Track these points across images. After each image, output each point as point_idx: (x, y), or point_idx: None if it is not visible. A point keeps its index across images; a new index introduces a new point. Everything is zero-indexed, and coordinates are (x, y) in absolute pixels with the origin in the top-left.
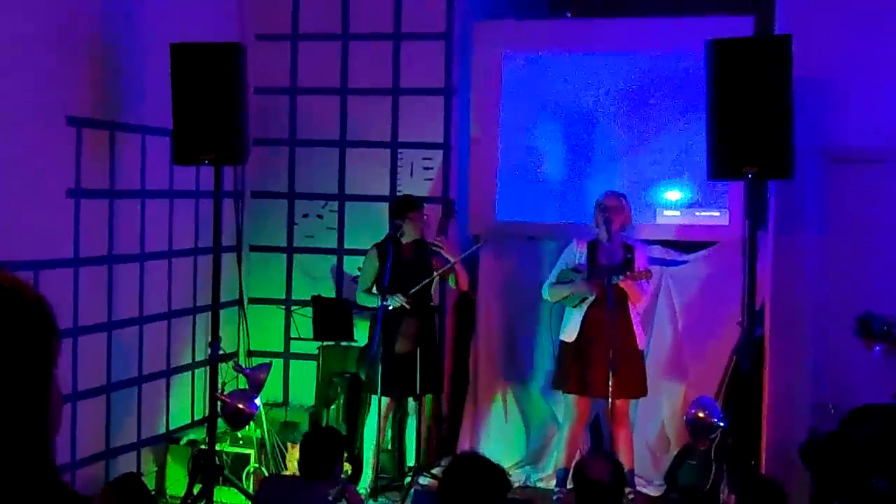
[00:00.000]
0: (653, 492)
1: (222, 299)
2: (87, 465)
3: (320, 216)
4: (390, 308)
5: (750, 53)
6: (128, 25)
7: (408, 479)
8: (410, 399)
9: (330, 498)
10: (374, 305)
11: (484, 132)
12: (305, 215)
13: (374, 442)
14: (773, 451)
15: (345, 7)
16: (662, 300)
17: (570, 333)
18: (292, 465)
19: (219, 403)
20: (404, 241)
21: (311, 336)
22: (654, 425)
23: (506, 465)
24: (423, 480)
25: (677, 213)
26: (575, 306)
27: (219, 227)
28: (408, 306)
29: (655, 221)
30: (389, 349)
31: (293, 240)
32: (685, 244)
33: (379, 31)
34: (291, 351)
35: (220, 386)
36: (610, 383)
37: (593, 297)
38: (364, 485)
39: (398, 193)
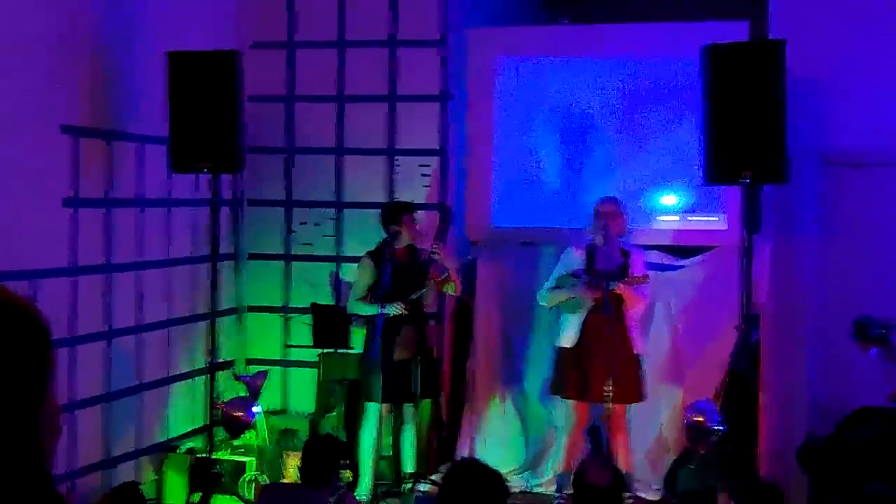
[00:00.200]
0: (651, 496)
1: (220, 307)
2: (87, 474)
3: (318, 224)
4: (390, 316)
5: (745, 58)
6: (124, 34)
7: (407, 486)
8: (409, 406)
9: None
10: (368, 313)
11: (480, 138)
12: (303, 223)
13: (373, 448)
14: (771, 455)
15: (341, 15)
16: (660, 305)
17: (567, 339)
18: (291, 473)
19: (217, 411)
20: (398, 246)
21: (310, 344)
22: (652, 430)
23: (504, 470)
24: (422, 487)
25: (674, 217)
26: (573, 312)
27: (216, 235)
28: (406, 313)
29: (652, 226)
30: (388, 356)
31: (291, 248)
32: (682, 249)
33: (375, 39)
34: (290, 358)
35: (218, 394)
36: (608, 388)
37: (591, 303)
38: (363, 491)
39: (395, 200)
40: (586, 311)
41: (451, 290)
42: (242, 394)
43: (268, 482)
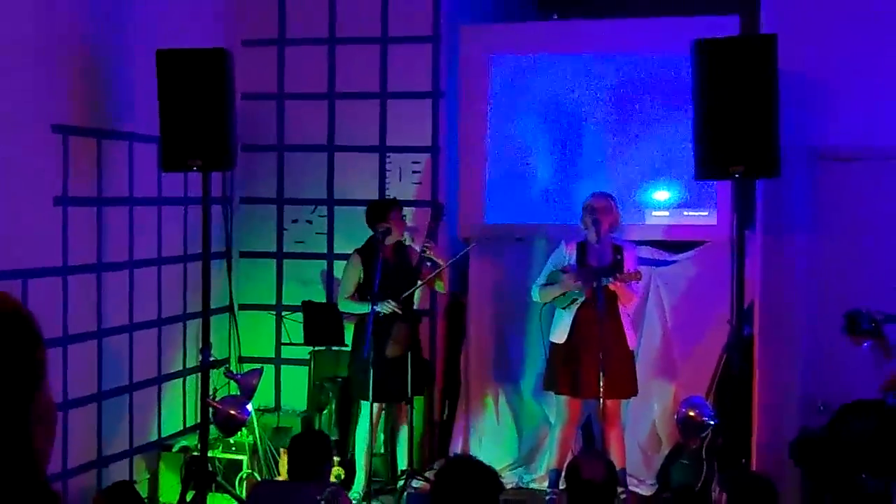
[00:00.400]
0: (645, 491)
1: (212, 306)
2: (79, 473)
3: (310, 221)
4: (381, 314)
5: (735, 53)
6: (114, 32)
7: (400, 483)
8: (402, 403)
9: (322, 501)
10: (359, 311)
11: (472, 135)
12: (295, 220)
13: (366, 445)
14: (764, 449)
15: (332, 11)
16: (652, 300)
17: (560, 335)
18: (285, 471)
19: (210, 410)
20: (388, 244)
21: (302, 341)
22: (645, 425)
23: (498, 467)
24: (415, 483)
25: (666, 213)
26: (565, 308)
27: (208, 233)
28: (399, 312)
29: (644, 222)
30: (380, 354)
31: (283, 245)
32: (674, 244)
33: (366, 35)
34: (282, 356)
35: (211, 392)
36: (601, 384)
37: (583, 298)
38: (357, 489)
39: (387, 198)
40: (578, 306)
41: (441, 288)
42: (235, 392)
43: (260, 480)
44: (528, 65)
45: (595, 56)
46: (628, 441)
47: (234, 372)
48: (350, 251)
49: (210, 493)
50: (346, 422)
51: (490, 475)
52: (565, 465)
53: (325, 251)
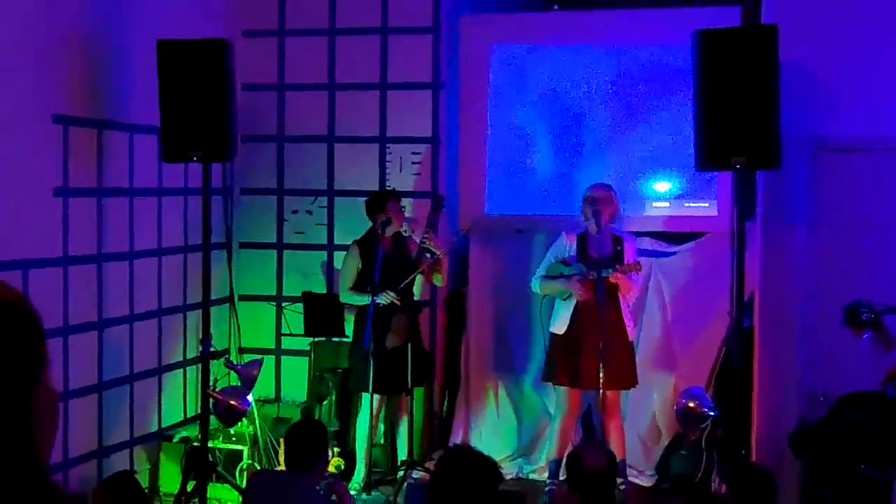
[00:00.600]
0: (644, 482)
1: (213, 296)
2: (80, 463)
3: (310, 212)
4: (381, 305)
5: (736, 43)
6: (114, 23)
7: (400, 473)
8: (402, 394)
9: (321, 491)
10: (360, 303)
11: (472, 126)
12: (295, 211)
13: (367, 437)
14: (764, 440)
15: (332, 2)
16: (652, 291)
17: (560, 326)
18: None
19: (211, 400)
20: (387, 235)
21: (303, 332)
22: (645, 416)
23: (498, 457)
24: (415, 474)
25: (666, 204)
26: (565, 299)
27: (208, 224)
28: (398, 303)
29: (644, 213)
30: (380, 345)
31: (283, 236)
32: (674, 235)
33: (366, 26)
34: (283, 347)
35: (211, 383)
36: (600, 375)
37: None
38: (357, 479)
39: (387, 188)
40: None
41: (438, 281)
42: (235, 383)
43: (260, 470)
44: (529, 55)
45: (596, 47)
46: (628, 432)
47: (235, 363)
48: (350, 241)
49: (210, 484)
50: (346, 413)
51: (490, 466)
52: (565, 455)
53: (326, 242)
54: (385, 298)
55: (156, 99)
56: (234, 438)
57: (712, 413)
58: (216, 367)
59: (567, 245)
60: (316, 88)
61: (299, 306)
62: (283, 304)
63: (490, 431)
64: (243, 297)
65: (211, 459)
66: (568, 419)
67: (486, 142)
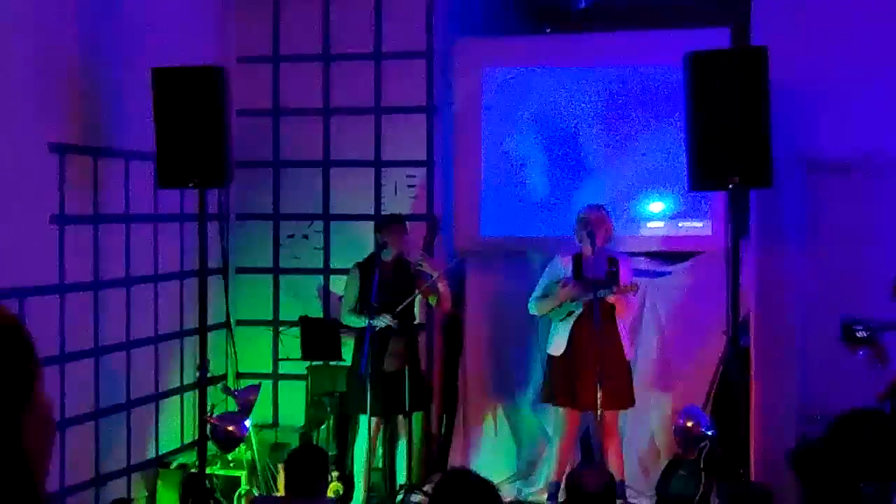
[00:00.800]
0: (644, 503)
1: (210, 322)
2: (77, 492)
3: (306, 236)
4: (377, 328)
5: (727, 64)
6: (109, 51)
7: (399, 497)
8: (399, 417)
9: None
10: (359, 325)
11: (466, 148)
12: (291, 236)
13: (365, 461)
14: (762, 459)
15: (325, 28)
16: (648, 311)
17: (557, 347)
18: (283, 487)
19: (208, 426)
20: (387, 258)
21: (300, 356)
22: (643, 436)
23: (497, 480)
24: (414, 498)
25: (661, 224)
26: (562, 320)
27: (204, 249)
28: (394, 326)
29: (640, 233)
30: (378, 368)
31: (279, 261)
32: (669, 255)
33: (360, 51)
34: (280, 372)
35: (209, 409)
36: (598, 395)
37: (580, 311)
38: (356, 503)
39: (382, 212)
40: (575, 319)
41: (434, 301)
42: (233, 408)
43: (258, 496)
44: (522, 78)
45: (588, 69)
46: (626, 453)
47: (232, 388)
48: (346, 265)
49: None
50: (344, 437)
51: (488, 489)
52: (564, 477)
53: (322, 266)
54: (381, 321)
55: (151, 126)
56: (231, 464)
57: (710, 433)
58: (214, 392)
59: (562, 266)
60: (311, 113)
61: (296, 330)
62: (280, 329)
63: (489, 454)
64: (240, 322)
65: (209, 486)
66: (567, 440)
67: (480, 164)
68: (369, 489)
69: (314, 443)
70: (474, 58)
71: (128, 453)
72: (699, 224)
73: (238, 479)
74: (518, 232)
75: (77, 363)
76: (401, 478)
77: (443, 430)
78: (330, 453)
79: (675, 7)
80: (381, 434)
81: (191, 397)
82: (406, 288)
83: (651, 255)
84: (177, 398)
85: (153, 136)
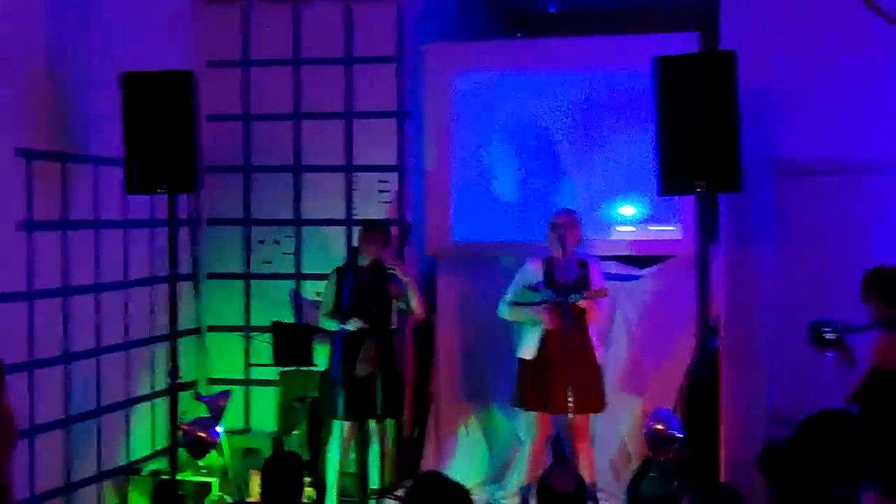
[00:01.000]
0: None
1: (180, 328)
2: (48, 499)
3: (277, 242)
4: (348, 332)
5: (696, 69)
6: (77, 55)
7: (372, 502)
8: (372, 422)
9: None
10: (333, 329)
11: (437, 153)
12: (262, 241)
13: (337, 465)
14: (732, 461)
15: (296, 32)
16: (619, 315)
17: (528, 351)
18: (255, 493)
19: (179, 433)
20: (363, 263)
21: (271, 362)
22: (614, 439)
23: (469, 484)
24: (387, 502)
25: (631, 228)
26: (533, 324)
27: (175, 255)
28: (366, 328)
29: (610, 237)
30: (349, 372)
31: (250, 266)
32: (640, 259)
33: (330, 56)
34: (252, 377)
35: (180, 415)
36: (569, 399)
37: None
38: None
39: (354, 217)
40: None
41: (404, 306)
42: (204, 414)
43: (231, 502)
44: (493, 83)
45: (558, 73)
46: (598, 456)
47: (203, 394)
48: (318, 270)
49: None
50: (317, 442)
51: (461, 493)
52: (536, 481)
53: (293, 271)
54: (353, 325)
55: (119, 131)
56: (203, 471)
57: (681, 435)
58: (185, 398)
59: (533, 270)
60: (281, 118)
61: (268, 336)
62: (251, 334)
63: (461, 457)
64: (211, 328)
65: (180, 492)
66: (538, 444)
67: (451, 169)
68: (342, 494)
69: (286, 448)
70: (445, 63)
71: (98, 460)
72: (670, 228)
73: (209, 485)
74: (490, 237)
75: (47, 370)
76: (373, 482)
77: (415, 434)
78: (303, 458)
79: (645, 12)
80: (352, 439)
81: (162, 404)
82: (382, 292)
83: (621, 259)
84: (148, 405)
85: (122, 141)
